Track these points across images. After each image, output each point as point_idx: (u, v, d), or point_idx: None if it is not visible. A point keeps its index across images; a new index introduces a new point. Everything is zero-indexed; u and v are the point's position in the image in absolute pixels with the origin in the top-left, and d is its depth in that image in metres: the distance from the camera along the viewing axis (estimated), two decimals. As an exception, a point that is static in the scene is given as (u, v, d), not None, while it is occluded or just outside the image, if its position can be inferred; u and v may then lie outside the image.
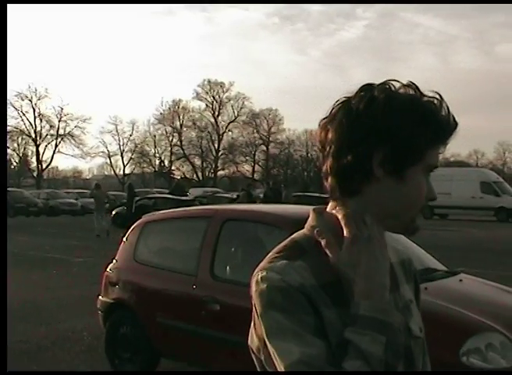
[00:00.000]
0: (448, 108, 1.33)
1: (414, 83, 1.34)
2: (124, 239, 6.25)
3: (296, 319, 1.21)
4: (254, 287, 1.28)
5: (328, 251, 1.29)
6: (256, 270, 1.30)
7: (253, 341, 1.34)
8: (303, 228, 1.40)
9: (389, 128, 1.28)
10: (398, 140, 1.29)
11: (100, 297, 6.19)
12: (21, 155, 66.40)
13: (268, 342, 1.24)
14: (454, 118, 1.34)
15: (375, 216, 1.31)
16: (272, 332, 1.23)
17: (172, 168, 72.59)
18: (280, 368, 1.21)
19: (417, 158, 1.31)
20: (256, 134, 73.12)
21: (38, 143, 62.92)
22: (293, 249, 1.32)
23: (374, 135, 1.28)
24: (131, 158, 70.82)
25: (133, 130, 69.53)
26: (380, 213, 1.32)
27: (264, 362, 1.31)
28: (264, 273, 1.27)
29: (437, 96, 1.33)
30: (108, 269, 6.19)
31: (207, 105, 72.99)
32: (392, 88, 1.32)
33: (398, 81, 1.34)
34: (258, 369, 1.34)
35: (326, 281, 1.27)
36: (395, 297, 1.34)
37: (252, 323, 1.33)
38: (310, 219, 1.39)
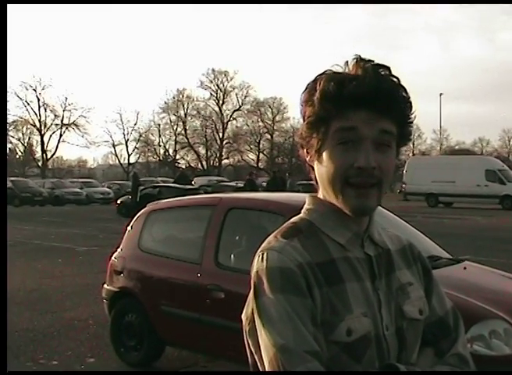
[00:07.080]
0: (365, 70, 1.30)
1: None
2: (129, 228, 6.27)
3: (293, 302, 1.24)
4: (254, 267, 1.32)
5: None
6: (258, 252, 1.35)
7: (246, 312, 1.37)
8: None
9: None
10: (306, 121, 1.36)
11: (105, 285, 6.22)
12: (26, 144, 66.45)
13: (259, 320, 1.27)
14: (372, 78, 1.28)
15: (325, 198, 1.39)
16: (266, 312, 1.26)
17: (177, 157, 72.52)
18: (264, 348, 1.24)
19: (322, 133, 1.32)
20: (260, 123, 72.93)
21: (43, 132, 62.85)
22: (290, 230, 1.38)
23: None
24: (136, 147, 70.73)
25: (137, 119, 69.40)
26: (325, 197, 1.39)
27: (247, 333, 1.36)
28: (265, 253, 1.32)
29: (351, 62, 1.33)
30: (113, 258, 6.21)
31: (211, 93, 72.79)
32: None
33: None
34: (245, 341, 1.38)
35: (320, 261, 1.32)
36: (389, 279, 1.40)
37: (248, 299, 1.36)
38: (306, 203, 1.46)
